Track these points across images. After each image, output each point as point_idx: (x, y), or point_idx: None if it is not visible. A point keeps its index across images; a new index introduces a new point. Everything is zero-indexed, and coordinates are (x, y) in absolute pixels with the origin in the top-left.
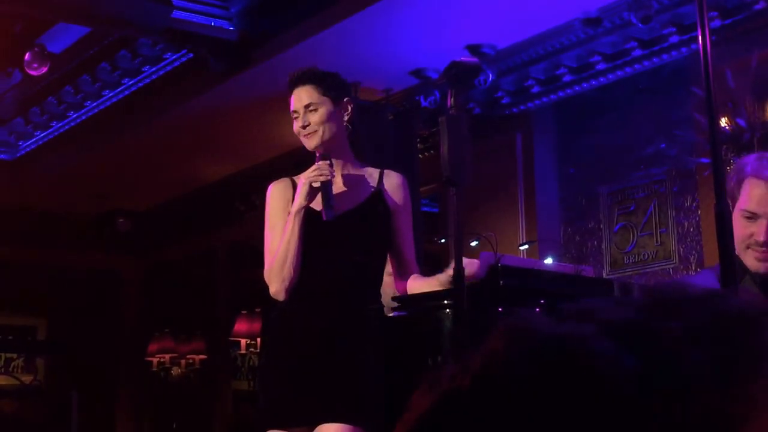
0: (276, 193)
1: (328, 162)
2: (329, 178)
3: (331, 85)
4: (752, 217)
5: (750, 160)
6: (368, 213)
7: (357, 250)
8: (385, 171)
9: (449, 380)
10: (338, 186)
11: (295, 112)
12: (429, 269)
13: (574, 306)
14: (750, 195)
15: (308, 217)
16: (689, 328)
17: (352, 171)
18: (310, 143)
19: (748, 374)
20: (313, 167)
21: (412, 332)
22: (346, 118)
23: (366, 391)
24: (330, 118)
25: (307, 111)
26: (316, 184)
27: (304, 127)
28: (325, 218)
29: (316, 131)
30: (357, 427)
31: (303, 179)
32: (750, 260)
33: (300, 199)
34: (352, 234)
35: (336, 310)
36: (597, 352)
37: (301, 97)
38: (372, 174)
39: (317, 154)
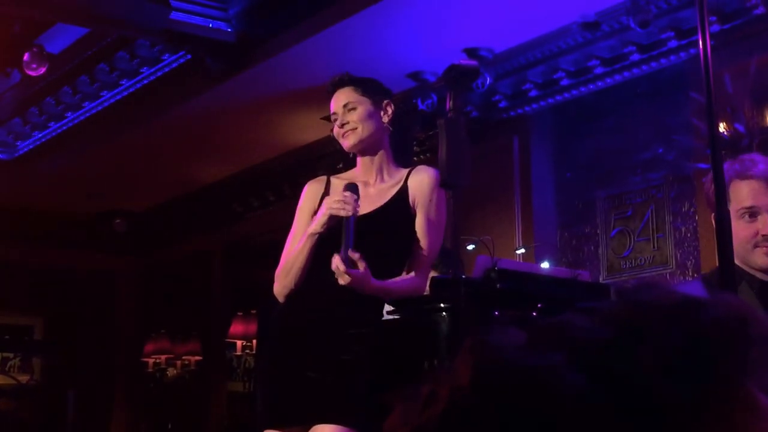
0: (308, 192)
1: (355, 196)
2: (350, 213)
3: (370, 87)
4: (753, 213)
5: (727, 166)
6: (386, 216)
7: (368, 253)
8: (416, 167)
9: (419, 413)
10: (367, 190)
11: (334, 113)
12: None
13: (545, 322)
14: (743, 193)
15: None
16: (661, 353)
17: (385, 173)
18: (348, 142)
19: (721, 397)
20: (339, 197)
21: (408, 335)
22: (386, 120)
23: (360, 392)
24: (369, 116)
25: (346, 110)
26: (337, 215)
27: (342, 126)
28: (341, 257)
29: (354, 129)
30: (350, 428)
31: (325, 205)
32: (761, 258)
33: (316, 225)
34: (366, 238)
35: (333, 312)
36: (567, 387)
37: (340, 98)
38: (403, 175)
39: (343, 184)
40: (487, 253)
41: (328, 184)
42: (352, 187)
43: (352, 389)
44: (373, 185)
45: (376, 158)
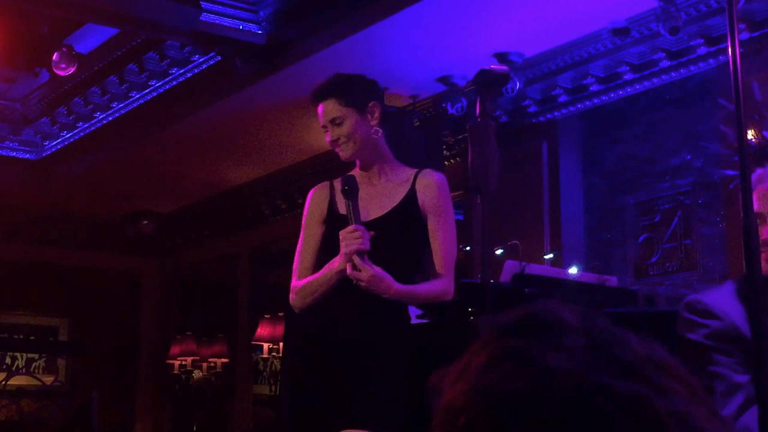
0: (313, 198)
1: (361, 228)
2: (367, 247)
3: (353, 94)
4: (762, 219)
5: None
6: (396, 220)
7: (383, 259)
8: (422, 171)
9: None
10: (371, 193)
11: (323, 126)
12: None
13: (511, 348)
14: (757, 198)
15: (341, 223)
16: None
17: (389, 174)
18: (344, 154)
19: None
20: (349, 234)
21: (435, 340)
22: (374, 123)
23: (386, 398)
24: (357, 128)
25: (334, 125)
26: (357, 251)
27: (334, 142)
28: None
29: (346, 143)
30: None
31: (343, 248)
32: (764, 264)
33: (340, 264)
34: (379, 243)
35: (357, 317)
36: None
37: (326, 111)
38: (409, 176)
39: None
40: (516, 258)
41: (332, 188)
42: (349, 180)
43: (379, 395)
44: (378, 184)
45: (377, 160)
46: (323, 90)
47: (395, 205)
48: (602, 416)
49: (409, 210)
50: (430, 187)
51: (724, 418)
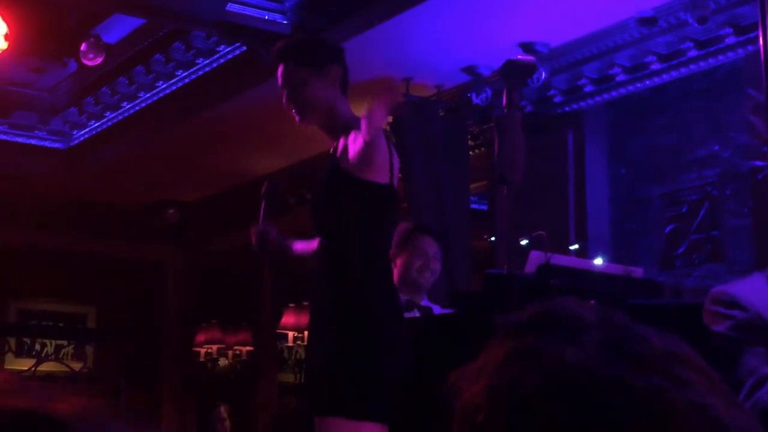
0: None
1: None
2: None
3: (305, 57)
4: None
5: None
6: (321, 191)
7: (321, 235)
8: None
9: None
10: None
11: (281, 88)
12: (478, 267)
13: (526, 345)
14: None
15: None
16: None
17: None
18: (297, 120)
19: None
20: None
21: (459, 331)
22: (328, 87)
23: (330, 379)
24: (310, 92)
25: (286, 89)
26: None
27: (287, 105)
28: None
29: (297, 112)
30: (325, 416)
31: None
32: None
33: None
34: (314, 220)
35: (313, 301)
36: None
37: (280, 75)
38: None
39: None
40: (541, 249)
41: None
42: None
43: (322, 377)
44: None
45: (331, 131)
46: (277, 52)
47: (322, 177)
48: (618, 410)
49: (330, 178)
50: (351, 142)
51: (744, 408)
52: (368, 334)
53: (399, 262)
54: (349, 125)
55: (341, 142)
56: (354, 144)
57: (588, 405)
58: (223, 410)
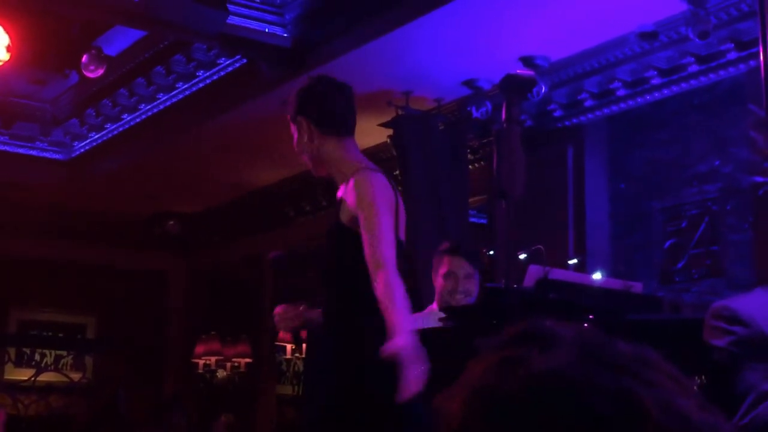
0: (386, 186)
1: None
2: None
3: (293, 108)
4: None
5: None
6: (326, 240)
7: (322, 280)
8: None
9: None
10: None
11: None
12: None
13: (505, 356)
14: None
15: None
16: None
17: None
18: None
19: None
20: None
21: (458, 345)
22: (305, 137)
23: (321, 400)
24: (299, 144)
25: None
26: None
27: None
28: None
29: (305, 160)
30: None
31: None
32: None
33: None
34: (319, 266)
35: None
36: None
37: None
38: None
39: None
40: (540, 263)
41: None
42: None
43: (317, 399)
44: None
45: (333, 172)
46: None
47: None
48: (589, 409)
49: (333, 225)
50: (350, 191)
51: (717, 412)
52: (361, 361)
53: (435, 286)
54: (344, 171)
55: (341, 189)
56: (348, 196)
57: (561, 406)
58: (224, 419)
